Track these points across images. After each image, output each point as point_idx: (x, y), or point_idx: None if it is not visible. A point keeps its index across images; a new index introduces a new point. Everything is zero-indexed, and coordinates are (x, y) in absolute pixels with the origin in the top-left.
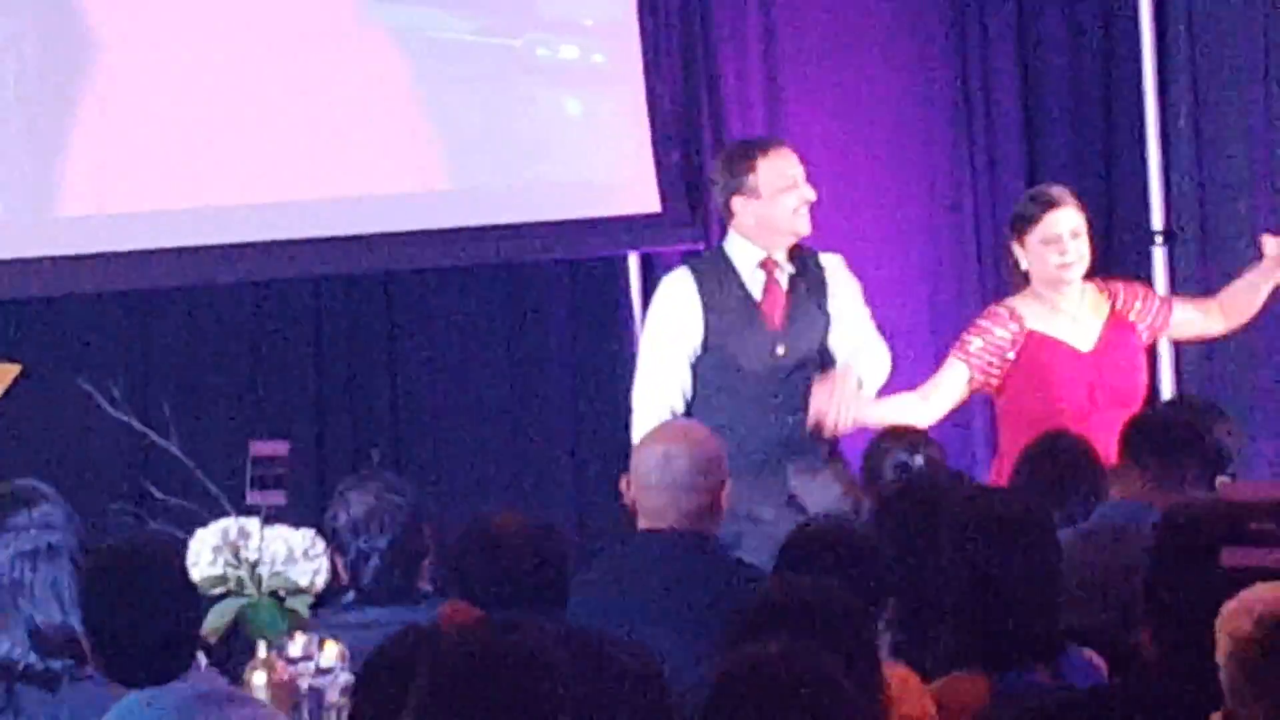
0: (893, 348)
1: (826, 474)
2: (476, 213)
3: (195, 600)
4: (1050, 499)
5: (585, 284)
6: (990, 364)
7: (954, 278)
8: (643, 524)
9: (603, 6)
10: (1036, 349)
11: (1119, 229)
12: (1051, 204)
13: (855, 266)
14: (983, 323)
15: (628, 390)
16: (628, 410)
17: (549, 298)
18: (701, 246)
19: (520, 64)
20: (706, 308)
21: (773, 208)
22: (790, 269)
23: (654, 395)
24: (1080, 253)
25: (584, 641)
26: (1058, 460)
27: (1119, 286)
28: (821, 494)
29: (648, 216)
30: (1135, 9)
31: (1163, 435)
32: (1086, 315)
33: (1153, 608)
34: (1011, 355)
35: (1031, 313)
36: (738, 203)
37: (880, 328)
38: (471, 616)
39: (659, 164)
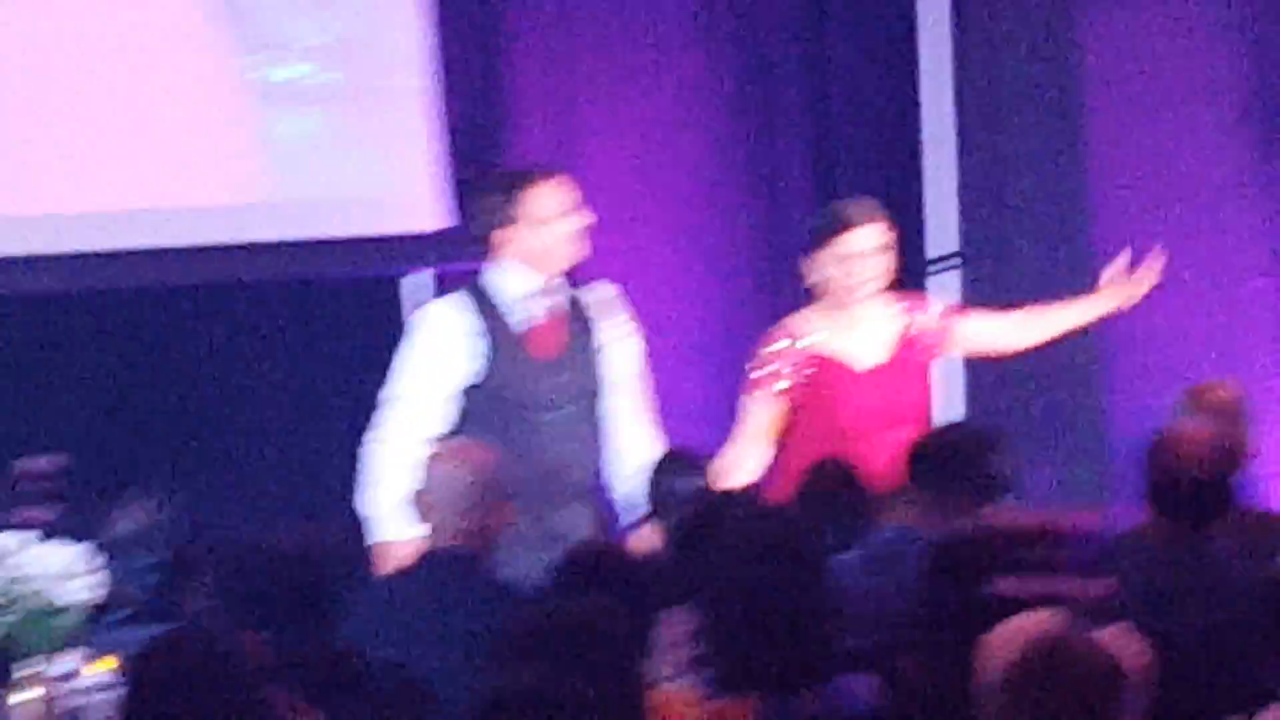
0: (684, 365)
1: (580, 506)
2: (258, 229)
3: None
4: (824, 522)
5: (361, 302)
6: (784, 390)
7: (739, 298)
8: (426, 542)
9: (395, 26)
10: (821, 367)
11: (904, 252)
12: (847, 224)
13: (644, 284)
14: (768, 349)
15: None
16: None
17: (330, 315)
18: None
19: (297, 85)
20: (476, 338)
21: (545, 236)
22: (562, 298)
23: (405, 428)
24: (873, 272)
25: (346, 664)
26: (830, 484)
27: (913, 302)
28: (573, 525)
29: (440, 233)
30: (913, 34)
31: (939, 460)
32: (876, 332)
33: (922, 633)
34: (798, 376)
35: (816, 330)
36: (508, 231)
37: (671, 348)
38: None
39: (454, 181)
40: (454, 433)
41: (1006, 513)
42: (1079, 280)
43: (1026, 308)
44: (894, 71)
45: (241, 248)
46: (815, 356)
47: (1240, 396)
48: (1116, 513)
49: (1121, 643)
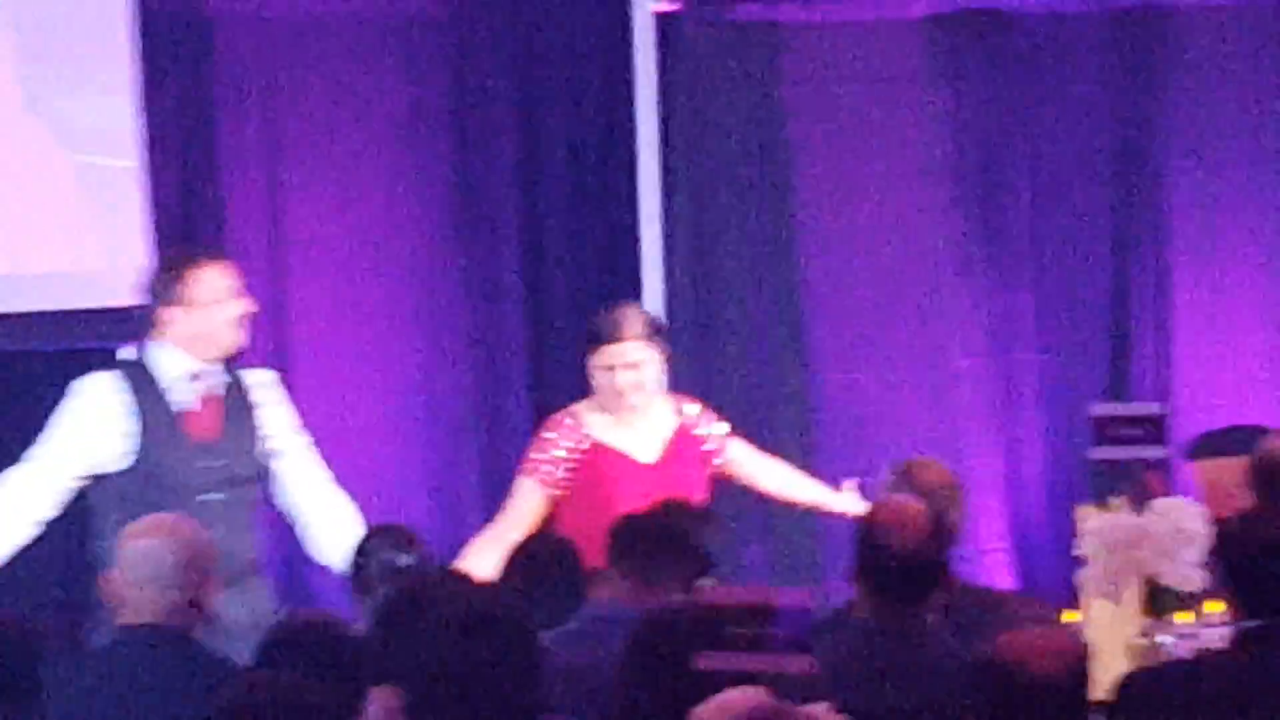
0: (389, 445)
1: (238, 590)
2: None
3: None
4: (533, 599)
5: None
6: (560, 478)
7: (448, 381)
8: (123, 619)
9: (104, 103)
10: (599, 458)
11: None
12: (608, 336)
13: (357, 368)
14: (548, 435)
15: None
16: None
17: (47, 384)
18: None
19: (18, 150)
20: (127, 416)
21: (204, 319)
22: (222, 381)
23: (25, 482)
24: (635, 380)
25: None
26: (541, 560)
27: (690, 403)
28: (240, 607)
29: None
30: (638, 109)
31: (645, 537)
32: (652, 427)
33: (626, 709)
34: (575, 465)
35: (596, 421)
36: (169, 313)
37: (380, 429)
38: None
39: (161, 256)
40: (116, 516)
41: (714, 590)
42: (788, 357)
43: (787, 466)
44: (606, 147)
45: None
46: (596, 445)
47: (949, 474)
48: (828, 589)
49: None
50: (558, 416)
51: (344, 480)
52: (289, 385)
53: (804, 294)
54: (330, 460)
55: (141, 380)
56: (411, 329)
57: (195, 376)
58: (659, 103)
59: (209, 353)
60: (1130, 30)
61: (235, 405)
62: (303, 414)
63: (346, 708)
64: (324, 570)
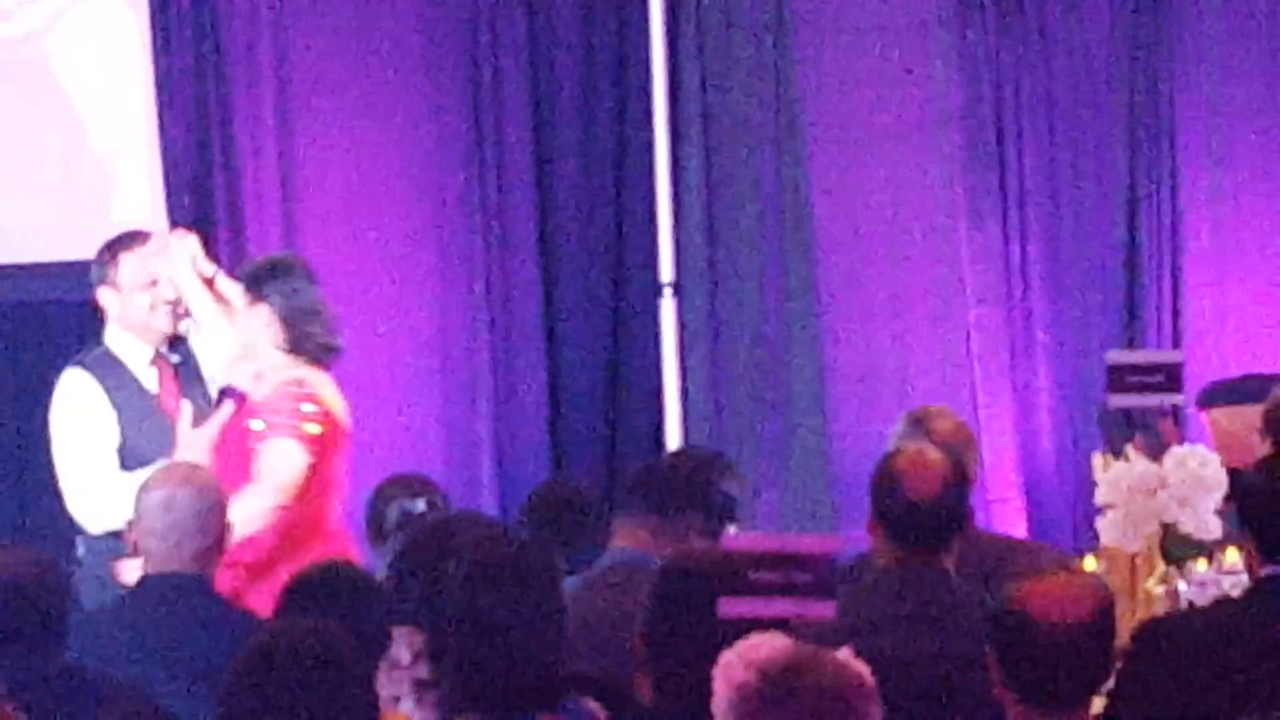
0: (403, 394)
1: None
2: None
3: None
4: (556, 545)
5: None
6: (314, 437)
7: (462, 336)
8: (146, 568)
9: (113, 54)
10: (333, 424)
11: (629, 280)
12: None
13: (369, 321)
14: (302, 401)
15: None
16: None
17: (58, 337)
18: None
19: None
20: (112, 405)
21: (129, 304)
22: (175, 359)
23: (111, 499)
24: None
25: (79, 679)
26: (564, 507)
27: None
28: None
29: None
30: (648, 62)
31: (666, 485)
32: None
33: (651, 656)
34: (321, 425)
35: (327, 388)
36: (105, 294)
37: (391, 377)
38: None
39: (170, 207)
40: None
41: (737, 536)
42: (801, 308)
43: None
44: (618, 99)
45: None
46: (329, 413)
47: (962, 423)
48: (855, 537)
49: (852, 665)
50: (300, 381)
51: (356, 435)
52: None
53: (816, 244)
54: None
55: (110, 367)
56: (425, 281)
57: (152, 361)
58: (667, 54)
59: (146, 338)
60: None
61: (188, 380)
62: None
63: (370, 653)
64: None
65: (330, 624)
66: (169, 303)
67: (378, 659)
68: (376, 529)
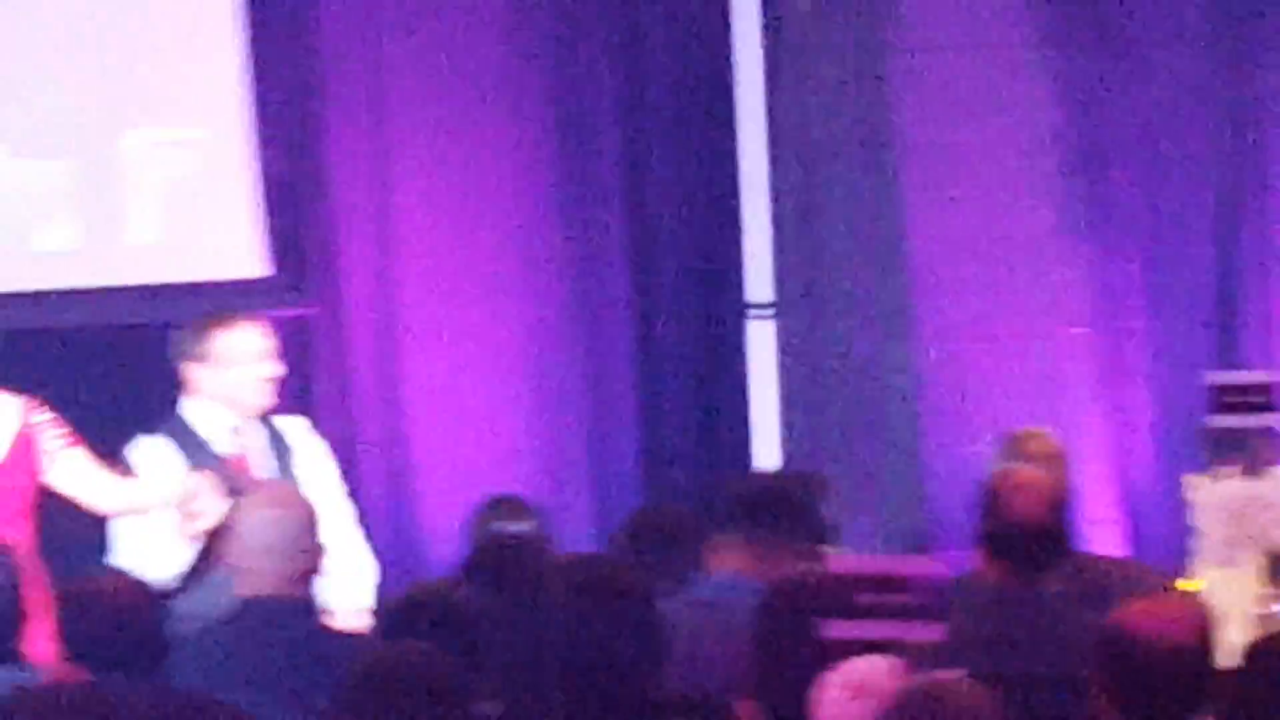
0: (496, 428)
1: None
2: (76, 275)
3: None
4: (653, 567)
5: None
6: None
7: (555, 356)
8: (244, 590)
9: (207, 76)
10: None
11: (720, 301)
12: None
13: (462, 328)
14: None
15: None
16: None
17: (153, 360)
18: (313, 310)
19: (117, 127)
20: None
21: (232, 378)
22: (260, 433)
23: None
24: None
25: (183, 704)
26: (665, 530)
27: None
28: None
29: (254, 281)
30: (736, 83)
31: (765, 507)
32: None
33: (756, 677)
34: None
35: None
36: (197, 369)
37: (483, 394)
38: (74, 679)
39: (270, 230)
40: None
41: (838, 558)
42: (895, 328)
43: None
44: (711, 119)
45: (54, 293)
46: None
47: (1057, 444)
48: (949, 559)
49: (967, 689)
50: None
51: (450, 454)
52: (396, 356)
53: (910, 264)
54: (436, 433)
55: (189, 437)
56: (516, 299)
57: (230, 430)
58: (764, 74)
59: (239, 410)
60: (1237, 1)
61: (276, 451)
62: (410, 386)
63: (469, 678)
64: (436, 542)
65: (429, 650)
66: (270, 380)
67: (475, 686)
68: (476, 552)
